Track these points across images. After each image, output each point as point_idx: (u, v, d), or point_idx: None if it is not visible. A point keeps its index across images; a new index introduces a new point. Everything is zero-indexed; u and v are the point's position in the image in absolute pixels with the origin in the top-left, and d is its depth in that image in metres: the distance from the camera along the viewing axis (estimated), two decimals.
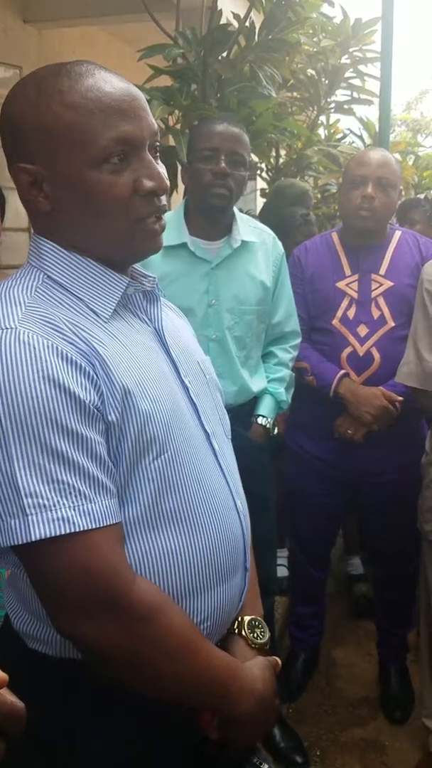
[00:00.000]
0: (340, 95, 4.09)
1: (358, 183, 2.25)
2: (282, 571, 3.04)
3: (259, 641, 1.14)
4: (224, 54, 2.82)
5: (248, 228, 2.19)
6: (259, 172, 4.10)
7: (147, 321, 1.10)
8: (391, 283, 2.29)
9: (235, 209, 2.17)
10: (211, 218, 2.08)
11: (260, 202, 4.50)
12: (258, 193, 4.16)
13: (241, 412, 2.13)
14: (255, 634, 1.14)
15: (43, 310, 0.95)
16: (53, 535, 0.86)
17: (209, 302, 2.09)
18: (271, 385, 2.27)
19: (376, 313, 2.27)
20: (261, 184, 4.10)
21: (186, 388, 1.09)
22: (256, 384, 2.23)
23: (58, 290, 1.00)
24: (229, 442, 1.22)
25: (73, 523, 0.87)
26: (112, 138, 0.95)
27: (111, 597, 0.89)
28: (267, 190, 4.06)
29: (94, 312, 1.00)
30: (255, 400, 2.25)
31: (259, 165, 3.98)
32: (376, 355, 2.26)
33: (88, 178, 0.95)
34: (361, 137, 4.20)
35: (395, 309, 2.27)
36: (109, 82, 0.97)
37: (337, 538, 2.97)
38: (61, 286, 1.00)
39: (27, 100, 0.97)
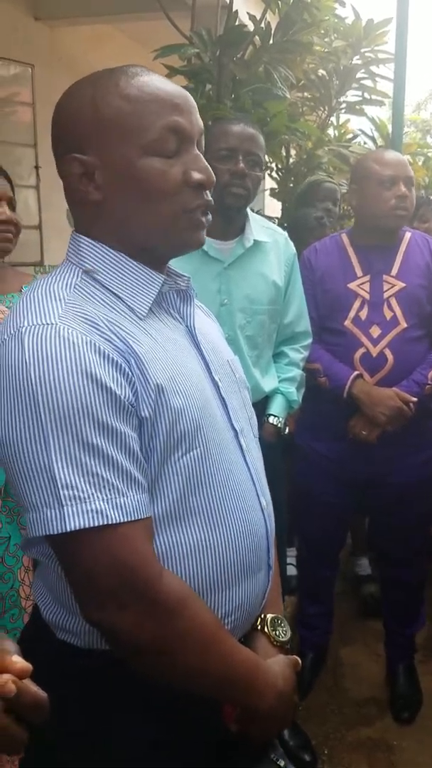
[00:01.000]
0: (351, 96, 4.09)
1: (389, 183, 2.24)
2: (290, 570, 3.04)
3: (281, 639, 1.16)
4: (239, 55, 2.82)
5: (260, 228, 2.20)
6: (268, 171, 4.11)
7: (180, 319, 1.12)
8: (403, 284, 2.29)
9: (248, 209, 2.18)
10: (226, 218, 2.09)
11: (268, 201, 4.50)
12: (267, 192, 4.15)
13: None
14: (277, 632, 1.16)
15: (82, 307, 0.97)
16: (87, 526, 0.88)
17: (221, 302, 2.10)
18: (282, 384, 2.28)
19: (388, 314, 2.27)
20: (270, 183, 4.10)
21: (217, 386, 1.11)
22: (268, 384, 2.24)
23: (95, 287, 1.02)
24: (257, 441, 1.23)
25: (106, 515, 0.89)
26: (166, 127, 0.99)
27: (140, 588, 0.91)
28: (276, 190, 4.06)
29: (131, 309, 1.03)
30: (266, 399, 2.26)
31: (268, 165, 3.99)
32: (390, 356, 2.26)
33: (141, 165, 0.99)
34: (372, 138, 4.19)
35: (407, 310, 2.27)
36: (162, 80, 1.03)
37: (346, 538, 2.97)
38: (99, 283, 1.03)
39: (83, 94, 1.01)
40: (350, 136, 4.22)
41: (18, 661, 0.57)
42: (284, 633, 1.17)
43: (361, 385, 2.27)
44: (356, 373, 2.28)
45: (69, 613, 1.03)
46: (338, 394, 2.29)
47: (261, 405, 2.22)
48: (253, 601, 1.12)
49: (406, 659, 2.66)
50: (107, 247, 1.03)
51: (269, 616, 1.17)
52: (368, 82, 3.92)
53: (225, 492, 1.05)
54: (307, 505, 2.56)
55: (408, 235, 2.38)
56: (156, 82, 1.01)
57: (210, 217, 1.07)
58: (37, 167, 4.84)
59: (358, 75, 3.91)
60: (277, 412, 2.25)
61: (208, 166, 1.04)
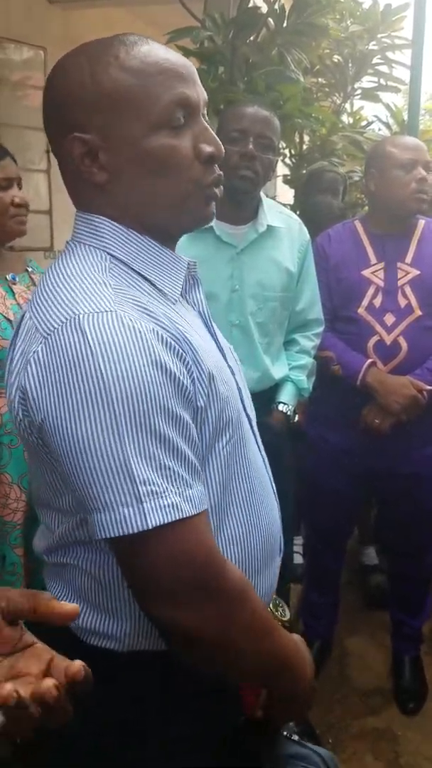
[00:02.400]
0: (367, 82, 4.04)
1: (409, 167, 2.21)
2: (297, 559, 3.04)
3: (284, 618, 1.17)
4: (252, 37, 2.79)
5: (274, 213, 2.17)
6: (281, 157, 4.07)
7: (193, 304, 1.08)
8: (418, 272, 2.26)
9: (262, 194, 2.15)
10: (236, 201, 2.05)
11: (281, 187, 4.47)
12: (280, 179, 4.11)
13: (262, 399, 2.12)
14: (279, 612, 1.17)
15: (129, 292, 0.92)
16: (166, 522, 0.84)
17: (233, 287, 2.08)
18: (292, 372, 2.26)
19: (402, 302, 2.25)
20: (283, 170, 4.06)
21: (233, 373, 1.09)
22: (278, 371, 2.22)
23: (125, 270, 0.96)
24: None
25: (180, 509, 0.85)
26: (173, 100, 0.93)
27: (209, 580, 0.89)
28: (289, 176, 4.02)
29: (162, 293, 0.98)
30: (276, 387, 2.24)
31: (282, 151, 3.95)
32: (404, 344, 2.23)
33: (149, 141, 0.93)
34: (387, 124, 4.15)
35: (422, 298, 2.24)
36: (163, 49, 0.96)
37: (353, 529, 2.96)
38: (127, 266, 0.97)
39: (79, 69, 0.94)
40: (365, 122, 4.18)
41: (66, 603, 0.59)
42: (284, 612, 1.19)
43: (375, 373, 2.25)
44: (370, 361, 2.25)
45: (106, 616, 0.99)
46: (351, 382, 2.27)
47: (271, 392, 2.21)
48: (273, 585, 1.14)
49: (413, 651, 2.65)
50: (131, 230, 0.97)
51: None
52: (384, 68, 3.88)
53: (253, 480, 1.05)
54: (315, 495, 2.54)
55: (422, 222, 2.35)
56: (157, 51, 0.95)
57: (221, 189, 1.03)
58: (48, 151, 4.81)
59: (374, 61, 3.87)
60: (286, 399, 2.23)
61: (216, 136, 0.99)
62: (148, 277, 0.97)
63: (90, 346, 0.83)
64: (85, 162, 0.95)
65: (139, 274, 0.97)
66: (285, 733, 1.16)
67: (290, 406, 2.23)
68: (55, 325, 0.87)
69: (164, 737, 1.02)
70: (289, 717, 1.13)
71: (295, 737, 1.16)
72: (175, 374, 0.88)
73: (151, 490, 0.83)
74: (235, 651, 0.93)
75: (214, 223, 2.05)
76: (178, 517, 0.84)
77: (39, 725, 0.57)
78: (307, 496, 2.58)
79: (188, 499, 0.86)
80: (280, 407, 2.22)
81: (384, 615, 2.80)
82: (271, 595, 1.14)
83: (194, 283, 1.09)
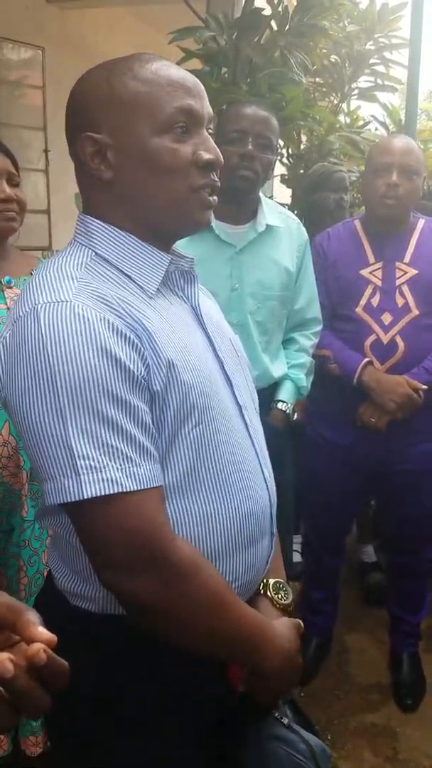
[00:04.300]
0: (364, 81, 4.05)
1: (382, 171, 2.23)
2: (296, 557, 3.05)
3: (283, 602, 1.22)
4: (255, 38, 2.80)
5: (273, 213, 2.19)
6: (279, 157, 4.07)
7: (184, 298, 1.16)
8: (416, 271, 2.27)
9: (261, 194, 2.17)
10: (235, 201, 2.07)
11: (278, 187, 4.48)
12: (278, 179, 4.12)
13: (261, 397, 2.11)
14: (279, 596, 1.22)
15: (94, 285, 1.00)
16: (102, 494, 0.92)
17: (232, 286, 2.09)
18: (291, 370, 2.28)
19: (400, 301, 2.26)
20: (280, 169, 4.07)
21: (221, 363, 1.15)
22: (277, 369, 2.23)
23: (106, 267, 1.05)
24: (258, 417, 1.27)
25: (121, 484, 0.93)
26: (178, 108, 1.03)
27: (154, 554, 0.96)
28: (287, 176, 4.03)
29: (141, 288, 1.06)
30: (275, 385, 2.25)
31: (279, 151, 3.96)
32: (401, 344, 2.25)
33: (153, 144, 1.03)
34: (384, 124, 4.16)
35: (419, 297, 2.26)
36: (175, 67, 1.08)
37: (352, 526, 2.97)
38: (109, 263, 1.06)
39: (98, 77, 1.05)
40: (362, 122, 4.19)
41: (44, 631, 0.60)
42: (286, 596, 1.23)
43: (371, 372, 2.27)
44: (366, 360, 2.27)
45: (83, 581, 1.08)
46: (348, 381, 2.29)
47: (270, 391, 2.22)
48: (258, 566, 1.17)
49: (411, 647, 2.67)
50: (117, 228, 1.07)
51: (272, 580, 1.23)
52: (381, 68, 3.89)
53: (231, 463, 1.10)
54: (314, 492, 2.56)
55: (421, 222, 2.36)
56: (169, 67, 1.06)
57: (216, 198, 1.10)
58: (46, 151, 4.82)
59: (371, 61, 3.88)
60: (285, 398, 2.24)
61: (217, 147, 1.08)
62: (127, 272, 1.06)
63: (42, 334, 0.94)
64: (95, 160, 1.05)
65: (118, 269, 1.06)
66: (276, 714, 1.19)
67: (289, 405, 2.25)
68: (21, 314, 0.99)
69: (139, 700, 1.08)
70: (273, 693, 1.16)
71: (285, 720, 1.19)
72: (122, 360, 0.95)
73: (90, 465, 0.92)
74: (185, 623, 1.00)
75: (213, 222, 2.04)
76: (116, 491, 0.92)
77: (15, 716, 0.59)
78: (306, 493, 2.59)
79: (132, 475, 0.94)
80: (280, 406, 2.23)
81: (383, 612, 2.82)
82: (256, 575, 1.17)
83: (190, 279, 1.17)
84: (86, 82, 1.06)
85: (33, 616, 0.62)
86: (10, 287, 1.80)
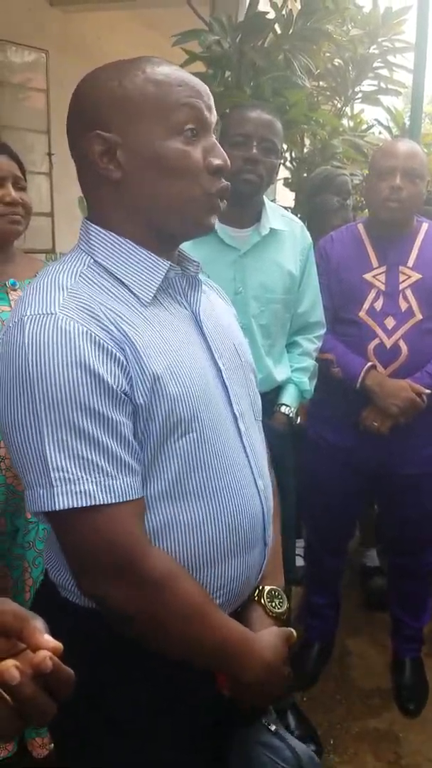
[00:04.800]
0: (367, 85, 4.05)
1: (385, 174, 2.22)
2: (298, 561, 3.04)
3: (276, 610, 1.20)
4: (259, 42, 2.80)
5: (277, 216, 2.18)
6: (282, 161, 4.07)
7: (186, 305, 1.14)
8: (420, 275, 2.27)
9: (264, 197, 2.17)
10: (239, 205, 2.07)
11: (281, 191, 4.48)
12: (281, 182, 4.12)
13: (265, 401, 2.11)
14: (273, 603, 1.21)
15: (83, 297, 1.00)
16: (74, 506, 0.94)
17: (236, 290, 2.09)
18: (294, 374, 2.28)
19: (403, 305, 2.26)
20: (283, 173, 4.07)
21: (219, 371, 1.14)
22: (280, 373, 2.23)
23: (101, 274, 1.05)
24: (259, 424, 1.26)
25: (94, 497, 0.94)
26: (189, 111, 1.03)
27: (127, 564, 0.97)
28: (290, 180, 4.03)
29: (136, 296, 1.05)
30: (278, 389, 2.25)
31: (283, 154, 3.95)
32: (404, 348, 2.24)
33: (164, 145, 1.02)
34: (388, 128, 4.16)
35: (423, 301, 2.25)
36: (185, 72, 1.07)
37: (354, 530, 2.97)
38: (106, 270, 1.06)
39: (109, 77, 1.04)
40: (365, 126, 4.19)
41: (50, 639, 0.60)
42: (280, 604, 1.22)
43: (374, 376, 2.26)
44: (370, 364, 2.27)
45: (70, 575, 1.09)
46: (351, 385, 2.28)
47: (273, 394, 2.22)
48: (248, 576, 1.16)
49: (413, 652, 2.66)
50: (115, 235, 1.06)
51: (266, 587, 1.22)
52: (384, 72, 3.89)
53: (220, 473, 1.09)
54: (316, 496, 2.56)
55: (425, 226, 2.36)
56: (179, 71, 1.06)
57: (224, 203, 1.09)
58: (49, 154, 4.83)
59: (375, 64, 3.88)
60: (289, 401, 2.24)
61: (224, 152, 1.08)
62: (122, 279, 1.05)
63: (24, 346, 0.95)
64: (103, 160, 1.03)
65: (114, 277, 1.05)
66: (264, 721, 1.19)
67: (292, 408, 2.25)
68: (11, 324, 1.00)
69: (131, 701, 1.09)
70: (256, 701, 1.17)
71: (273, 727, 1.19)
72: (100, 374, 0.96)
73: (63, 477, 0.94)
74: (161, 632, 1.01)
75: (217, 225, 2.05)
76: (89, 504, 0.94)
77: (21, 724, 0.59)
78: (307, 495, 2.59)
79: (107, 488, 0.95)
80: (283, 409, 2.23)
81: (385, 616, 2.81)
82: (245, 584, 1.16)
83: (194, 284, 1.16)
84: (96, 80, 1.05)
85: (39, 624, 0.62)
86: (15, 290, 1.81)
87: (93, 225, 1.08)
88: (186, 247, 2.00)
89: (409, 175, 2.21)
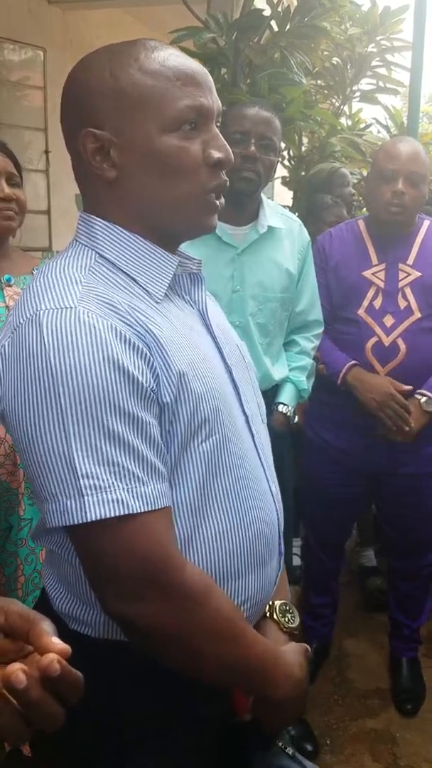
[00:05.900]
0: (365, 84, 4.05)
1: (388, 177, 2.19)
2: (295, 561, 3.04)
3: (290, 625, 1.15)
4: (255, 39, 2.79)
5: (275, 214, 2.17)
6: (280, 159, 4.06)
7: (191, 303, 1.10)
8: (419, 274, 2.25)
9: (263, 195, 2.15)
10: (238, 203, 2.05)
11: (279, 189, 4.47)
12: (279, 181, 4.11)
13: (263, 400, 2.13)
14: (286, 618, 1.15)
15: (100, 290, 0.94)
16: (108, 516, 0.86)
17: (234, 288, 2.08)
18: (292, 373, 2.27)
19: (402, 304, 2.25)
20: (281, 171, 4.06)
21: (230, 371, 1.09)
22: (278, 372, 2.22)
23: (110, 269, 0.99)
24: (265, 427, 1.21)
25: (128, 505, 0.86)
26: (188, 105, 0.96)
27: (163, 579, 0.90)
28: (288, 178, 4.02)
29: (147, 292, 1.00)
30: (276, 388, 2.24)
31: (281, 152, 3.94)
32: (402, 346, 2.23)
33: (160, 142, 0.96)
34: (386, 127, 4.15)
35: (422, 300, 2.24)
36: (183, 56, 0.99)
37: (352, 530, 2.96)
38: (114, 265, 0.99)
39: (101, 66, 0.96)
40: (364, 125, 4.18)
41: (58, 642, 0.58)
42: (293, 619, 1.17)
43: (356, 372, 2.25)
44: (353, 362, 2.26)
45: (83, 604, 1.02)
46: (333, 381, 2.27)
47: (271, 393, 2.21)
48: (267, 588, 1.12)
49: (411, 652, 2.65)
50: (121, 228, 1.00)
51: (277, 602, 1.17)
52: (383, 71, 3.88)
53: (241, 479, 1.04)
54: (314, 495, 2.54)
55: (426, 223, 2.34)
56: (177, 57, 0.98)
57: (222, 200, 1.05)
58: (46, 151, 4.82)
59: (373, 63, 3.87)
60: (286, 400, 2.23)
61: (227, 144, 1.01)
62: (133, 275, 0.99)
63: (44, 343, 0.87)
64: (97, 158, 0.97)
65: (124, 273, 0.99)
66: (280, 744, 1.15)
67: (290, 407, 2.24)
68: (21, 321, 0.91)
69: (140, 730, 1.03)
70: (282, 721, 1.12)
71: (290, 751, 1.15)
72: (131, 372, 0.89)
73: (95, 484, 0.85)
74: (193, 650, 0.94)
75: None
76: (123, 512, 0.86)
77: (28, 729, 0.57)
78: (307, 496, 2.58)
79: (140, 495, 0.87)
80: (281, 408, 2.22)
81: (383, 616, 2.80)
82: (266, 596, 1.12)
83: (197, 282, 1.11)
84: (87, 71, 0.98)
85: (47, 626, 0.59)
86: (10, 285, 1.80)
87: (96, 218, 1.01)
88: (183, 244, 2.00)
89: (412, 180, 2.18)
